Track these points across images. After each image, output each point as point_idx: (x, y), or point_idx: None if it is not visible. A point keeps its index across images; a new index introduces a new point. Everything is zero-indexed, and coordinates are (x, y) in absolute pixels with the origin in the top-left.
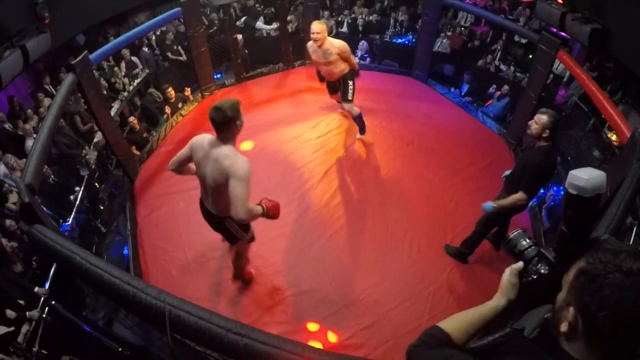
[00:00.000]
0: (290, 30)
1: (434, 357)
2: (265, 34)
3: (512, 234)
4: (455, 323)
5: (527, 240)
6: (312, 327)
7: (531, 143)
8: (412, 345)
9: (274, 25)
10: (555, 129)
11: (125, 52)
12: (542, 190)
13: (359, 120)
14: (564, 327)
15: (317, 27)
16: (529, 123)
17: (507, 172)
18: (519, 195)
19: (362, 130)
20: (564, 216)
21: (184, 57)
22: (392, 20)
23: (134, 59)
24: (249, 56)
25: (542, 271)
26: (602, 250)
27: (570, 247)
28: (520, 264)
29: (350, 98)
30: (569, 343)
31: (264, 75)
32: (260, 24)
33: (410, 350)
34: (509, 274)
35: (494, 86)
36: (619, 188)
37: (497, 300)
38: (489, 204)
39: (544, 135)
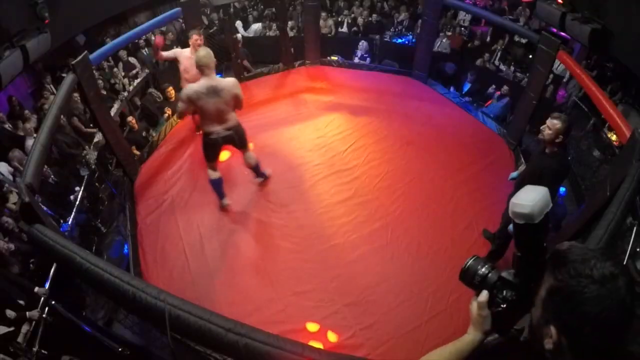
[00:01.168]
0: (291, 34)
1: None
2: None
3: (468, 262)
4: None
5: (485, 266)
6: (312, 327)
7: (541, 147)
8: None
9: (250, 30)
10: (568, 133)
11: (122, 53)
12: None
13: (256, 169)
14: (548, 344)
15: None
16: (541, 128)
17: (514, 174)
18: None
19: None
20: (515, 243)
21: None
22: (394, 21)
23: (132, 59)
24: (250, 56)
25: (509, 298)
26: (569, 262)
27: (530, 270)
28: (485, 295)
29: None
30: (555, 357)
31: (264, 75)
32: (238, 24)
33: None
34: (477, 307)
35: (494, 86)
36: (619, 188)
37: (473, 335)
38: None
39: (557, 140)
